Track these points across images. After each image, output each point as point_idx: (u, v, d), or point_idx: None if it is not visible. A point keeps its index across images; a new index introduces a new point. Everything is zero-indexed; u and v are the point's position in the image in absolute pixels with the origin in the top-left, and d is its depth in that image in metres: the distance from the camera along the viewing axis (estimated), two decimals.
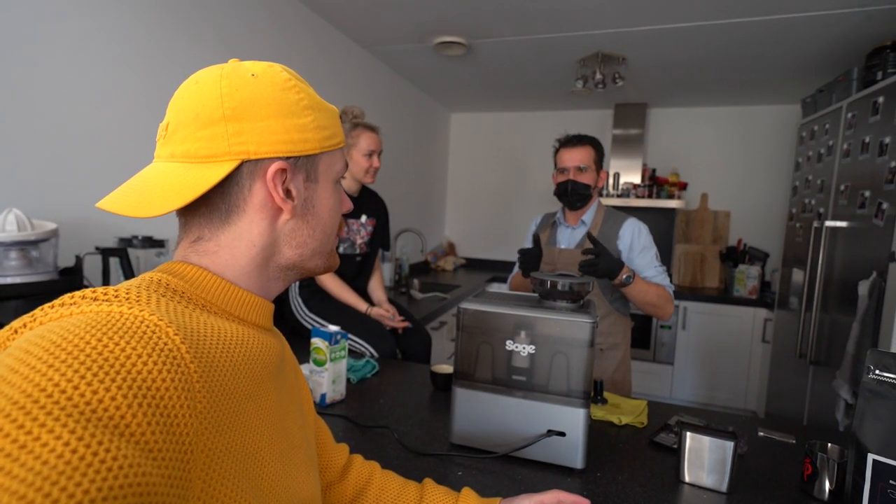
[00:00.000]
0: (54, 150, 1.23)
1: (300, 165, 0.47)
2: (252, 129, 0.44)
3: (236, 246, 0.46)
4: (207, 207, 0.45)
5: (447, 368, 1.32)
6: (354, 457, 0.75)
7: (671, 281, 1.47)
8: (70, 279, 1.14)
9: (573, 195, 1.55)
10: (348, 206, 0.56)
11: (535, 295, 1.08)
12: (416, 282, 2.98)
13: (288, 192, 0.47)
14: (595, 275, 1.34)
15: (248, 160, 0.44)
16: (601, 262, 1.33)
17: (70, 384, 0.27)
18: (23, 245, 1.07)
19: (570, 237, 1.64)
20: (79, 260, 1.19)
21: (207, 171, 0.43)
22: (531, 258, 1.49)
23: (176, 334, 0.34)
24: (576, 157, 1.54)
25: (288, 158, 0.46)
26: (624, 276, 1.37)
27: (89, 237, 1.29)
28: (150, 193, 0.42)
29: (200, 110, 0.43)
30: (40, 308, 0.36)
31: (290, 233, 0.48)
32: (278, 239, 0.48)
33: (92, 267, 1.24)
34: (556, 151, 1.61)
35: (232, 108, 0.43)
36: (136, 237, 1.33)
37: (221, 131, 0.43)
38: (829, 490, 0.83)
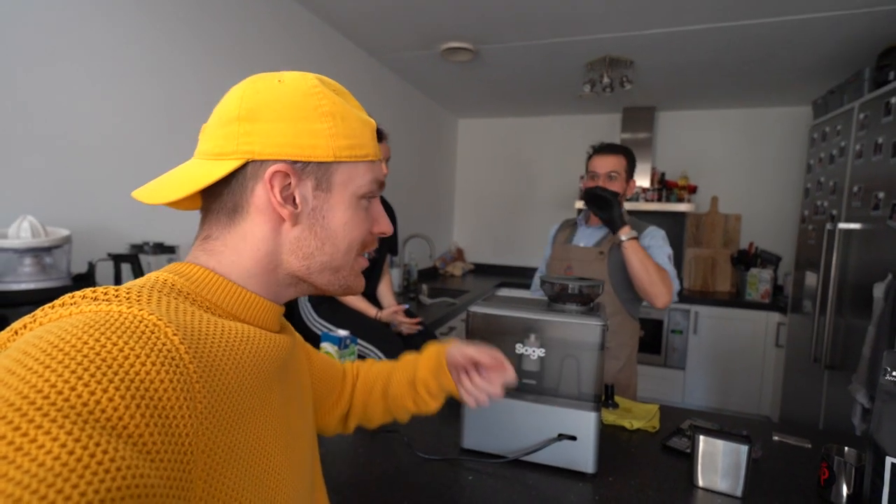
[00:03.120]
0: (68, 158, 1.25)
1: (309, 172, 0.46)
2: (261, 131, 0.44)
3: (241, 247, 0.46)
4: (217, 205, 0.46)
5: None
6: (347, 376, 0.77)
7: (681, 285, 1.46)
8: (83, 285, 1.15)
9: (600, 199, 1.54)
10: (385, 227, 0.52)
11: (544, 298, 1.08)
12: (424, 287, 2.98)
13: (293, 199, 0.46)
14: (603, 210, 1.46)
15: (254, 160, 0.44)
16: (612, 207, 1.44)
17: (67, 385, 0.27)
18: (37, 251, 1.08)
19: (589, 236, 1.64)
20: (91, 266, 1.20)
21: (214, 168, 0.44)
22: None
23: (175, 334, 0.34)
24: (608, 164, 1.56)
25: (295, 163, 0.45)
26: (624, 236, 1.42)
27: (102, 244, 1.31)
28: (166, 184, 0.45)
29: (223, 111, 0.45)
30: (41, 308, 0.36)
31: (295, 241, 0.47)
32: (282, 246, 0.47)
33: (104, 273, 1.26)
34: (589, 158, 1.62)
35: (248, 110, 0.44)
36: (147, 243, 1.35)
37: (234, 130, 0.44)
38: (847, 494, 0.82)
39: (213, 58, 1.64)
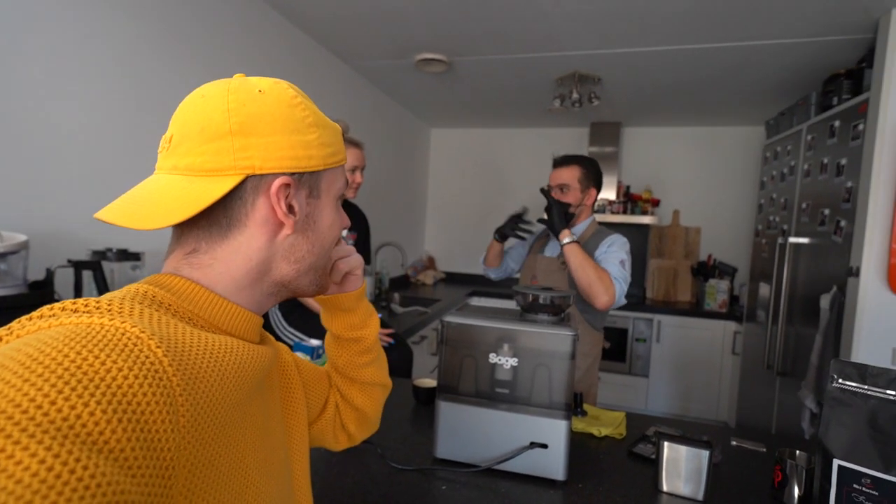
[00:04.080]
0: (25, 159, 1.20)
1: (304, 182, 0.48)
2: (258, 145, 0.44)
3: (232, 260, 0.46)
4: (207, 220, 0.45)
5: (429, 382, 1.32)
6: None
7: (626, 291, 1.51)
8: (40, 293, 1.10)
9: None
10: (346, 222, 0.56)
11: (517, 308, 1.10)
12: (396, 296, 2.98)
13: (290, 208, 0.47)
14: (546, 224, 1.58)
15: (253, 175, 0.44)
16: (550, 213, 1.55)
17: (46, 399, 0.26)
18: None
19: (555, 247, 1.70)
20: (50, 273, 1.15)
21: (211, 185, 0.42)
22: (510, 222, 1.68)
23: (158, 347, 0.34)
24: (558, 177, 1.63)
25: (293, 174, 0.46)
26: (565, 239, 1.51)
27: (61, 250, 1.25)
28: (152, 205, 0.42)
29: (206, 124, 0.43)
30: (17, 320, 0.35)
31: (290, 248, 0.48)
32: (276, 254, 0.48)
33: (64, 280, 1.21)
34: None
35: (239, 123, 0.43)
36: (110, 250, 1.30)
37: (227, 145, 0.43)
38: (798, 496, 0.87)
39: (181, 59, 1.60)
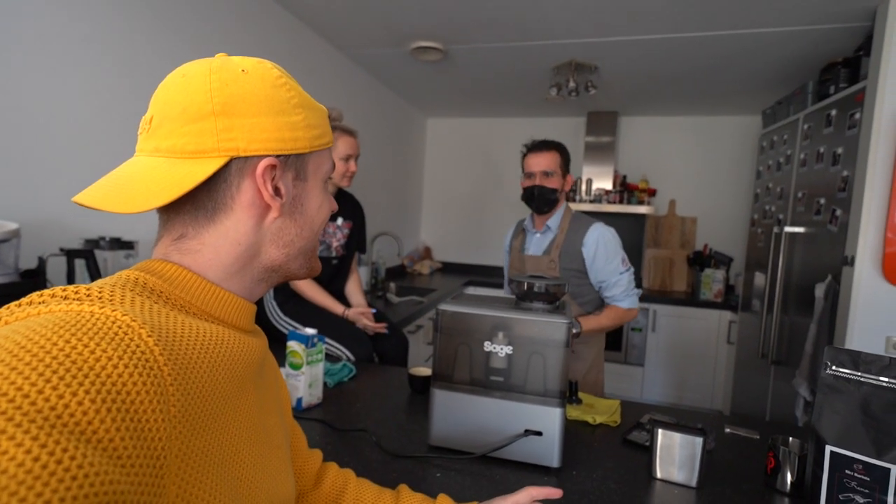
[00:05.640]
0: (16, 147, 1.18)
1: (290, 164, 0.47)
2: (242, 126, 0.43)
3: (220, 245, 0.45)
4: (192, 204, 0.44)
5: (424, 371, 1.32)
6: (329, 464, 0.74)
7: (642, 283, 1.56)
8: (32, 281, 1.09)
9: (540, 199, 1.58)
10: (334, 206, 0.56)
11: (512, 297, 1.10)
12: (392, 285, 2.98)
13: (277, 190, 0.46)
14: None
15: (238, 157, 0.43)
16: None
17: (34, 388, 0.26)
18: None
19: (537, 243, 1.67)
20: (42, 262, 1.14)
21: (195, 167, 0.41)
22: None
23: (149, 336, 0.33)
24: (542, 163, 1.57)
25: (278, 156, 0.45)
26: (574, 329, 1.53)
27: (54, 238, 1.24)
28: (133, 188, 0.41)
29: (188, 104, 0.42)
30: (6, 307, 0.34)
31: (278, 231, 0.47)
32: (264, 238, 0.47)
33: (56, 269, 1.20)
34: (524, 157, 1.63)
35: (221, 104, 0.42)
36: (103, 238, 1.29)
37: (210, 126, 0.42)
38: (791, 482, 0.88)
39: (173, 45, 1.58)
